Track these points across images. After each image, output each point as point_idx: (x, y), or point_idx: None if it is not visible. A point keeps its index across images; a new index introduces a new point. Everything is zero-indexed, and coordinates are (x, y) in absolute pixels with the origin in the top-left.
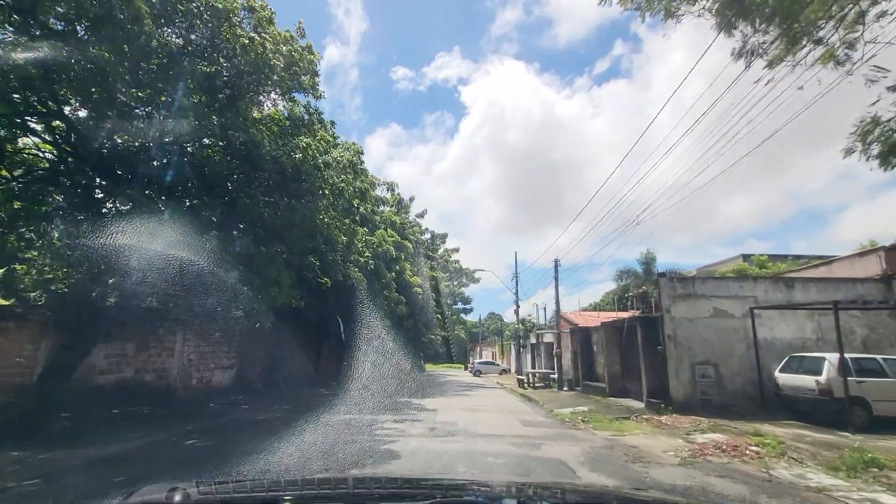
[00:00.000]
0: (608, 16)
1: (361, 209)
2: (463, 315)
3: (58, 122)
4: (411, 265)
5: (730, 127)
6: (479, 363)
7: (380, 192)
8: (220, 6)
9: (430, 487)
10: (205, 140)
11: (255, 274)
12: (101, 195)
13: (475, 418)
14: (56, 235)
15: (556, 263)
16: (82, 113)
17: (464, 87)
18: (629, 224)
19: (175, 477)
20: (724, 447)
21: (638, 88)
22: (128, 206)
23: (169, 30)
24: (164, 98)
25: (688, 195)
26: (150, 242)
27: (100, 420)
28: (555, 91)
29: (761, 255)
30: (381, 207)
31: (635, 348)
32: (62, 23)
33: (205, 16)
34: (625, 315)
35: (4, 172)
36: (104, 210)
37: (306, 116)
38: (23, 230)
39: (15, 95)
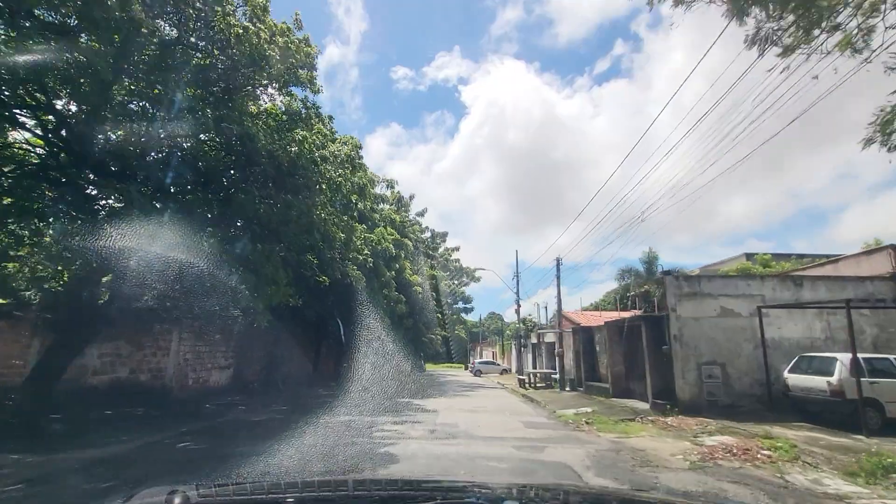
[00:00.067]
0: (608, 15)
1: (360, 205)
2: (463, 315)
3: (48, 115)
4: (411, 264)
5: (732, 127)
6: (480, 363)
7: (379, 189)
8: None
9: (430, 489)
10: (199, 135)
11: (251, 272)
12: (93, 192)
13: (476, 420)
14: (48, 232)
15: (559, 262)
16: (73, 107)
17: (464, 87)
18: (633, 221)
19: (166, 481)
20: (735, 450)
21: (638, 88)
22: (121, 204)
23: (161, 22)
24: (156, 91)
25: (689, 195)
26: (145, 240)
27: (92, 421)
28: (555, 91)
29: (765, 253)
30: (381, 205)
31: (639, 348)
32: (50, 12)
33: (197, 3)
34: (626, 315)
35: None
36: (97, 207)
37: (303, 111)
38: (13, 227)
39: (3, 88)
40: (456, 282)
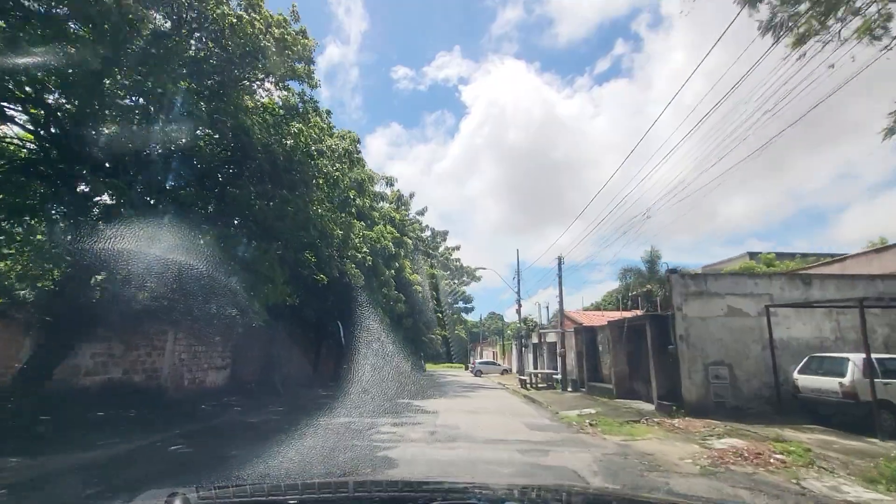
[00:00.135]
0: (609, 15)
1: (359, 202)
2: (464, 314)
3: (37, 109)
4: (411, 262)
5: (733, 127)
6: (480, 363)
7: (379, 187)
8: None
9: (430, 490)
10: (194, 130)
11: (248, 270)
12: (85, 188)
13: (477, 421)
14: (40, 229)
15: (560, 261)
16: (63, 100)
17: (464, 87)
18: (638, 218)
19: (160, 485)
20: (746, 454)
21: (639, 88)
22: (114, 201)
23: (154, 12)
24: (150, 83)
25: (690, 195)
26: (139, 238)
27: (83, 423)
28: (555, 90)
29: (769, 252)
30: (380, 203)
31: (644, 348)
32: (38, 1)
33: None
34: (628, 314)
35: None
36: (89, 204)
37: (301, 105)
38: (5, 224)
39: None
40: (456, 281)
